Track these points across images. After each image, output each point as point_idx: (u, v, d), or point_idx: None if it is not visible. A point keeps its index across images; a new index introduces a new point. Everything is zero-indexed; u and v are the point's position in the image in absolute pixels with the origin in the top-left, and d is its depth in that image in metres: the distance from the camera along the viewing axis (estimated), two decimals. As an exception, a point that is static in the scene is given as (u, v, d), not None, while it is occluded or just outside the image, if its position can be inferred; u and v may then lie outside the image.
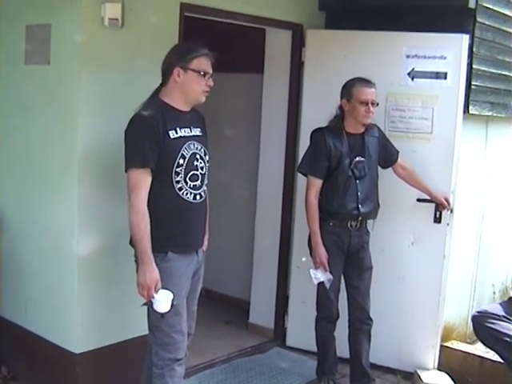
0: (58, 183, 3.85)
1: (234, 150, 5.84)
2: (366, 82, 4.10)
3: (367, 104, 4.05)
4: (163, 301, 3.11)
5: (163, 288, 3.13)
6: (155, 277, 3.11)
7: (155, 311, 3.13)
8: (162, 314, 3.14)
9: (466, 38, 4.44)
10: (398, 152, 4.37)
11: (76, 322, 3.79)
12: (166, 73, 3.25)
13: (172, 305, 3.13)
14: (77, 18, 3.63)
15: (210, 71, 3.27)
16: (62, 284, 3.86)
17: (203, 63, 3.24)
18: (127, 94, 3.68)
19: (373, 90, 4.08)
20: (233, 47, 5.36)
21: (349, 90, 4.11)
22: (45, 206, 3.96)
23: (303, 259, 4.45)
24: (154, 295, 3.10)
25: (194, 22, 4.22)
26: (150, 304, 3.13)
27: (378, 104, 4.13)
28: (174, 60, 3.24)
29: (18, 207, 4.18)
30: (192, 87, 3.24)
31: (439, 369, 4.64)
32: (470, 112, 4.69)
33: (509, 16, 5.03)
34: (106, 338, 3.89)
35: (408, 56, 4.52)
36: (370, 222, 4.30)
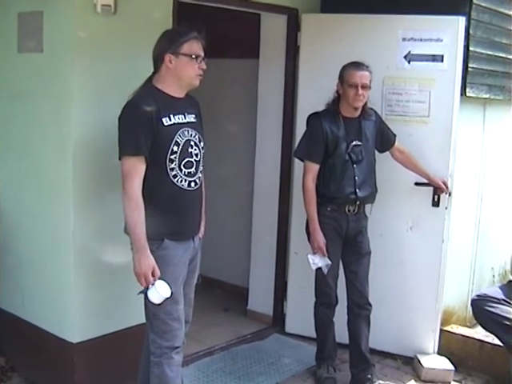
0: (53, 172, 3.82)
1: (229, 136, 5.81)
2: (357, 65, 4.07)
3: (356, 87, 4.02)
4: (159, 291, 3.07)
5: (162, 279, 3.11)
6: (151, 263, 3.09)
7: (149, 300, 3.11)
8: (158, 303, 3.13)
9: (462, 20, 4.40)
10: (395, 136, 4.35)
11: (73, 311, 3.78)
12: (158, 60, 3.22)
13: (166, 298, 3.10)
14: (69, 4, 3.59)
15: (202, 54, 3.24)
16: (58, 274, 3.85)
17: (194, 46, 3.21)
18: (121, 80, 3.64)
19: (364, 73, 4.05)
20: (228, 33, 5.33)
21: (341, 73, 4.10)
22: (41, 196, 3.93)
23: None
24: (154, 283, 3.08)
25: (188, 8, 4.18)
26: (145, 291, 3.11)
27: (370, 87, 4.09)
28: (164, 47, 3.20)
29: (13, 197, 4.15)
30: (185, 72, 3.21)
31: (439, 353, 4.64)
32: (467, 95, 4.67)
33: (505, -3, 5.00)
34: (103, 327, 3.88)
35: (404, 39, 4.48)
36: (367, 207, 4.28)
